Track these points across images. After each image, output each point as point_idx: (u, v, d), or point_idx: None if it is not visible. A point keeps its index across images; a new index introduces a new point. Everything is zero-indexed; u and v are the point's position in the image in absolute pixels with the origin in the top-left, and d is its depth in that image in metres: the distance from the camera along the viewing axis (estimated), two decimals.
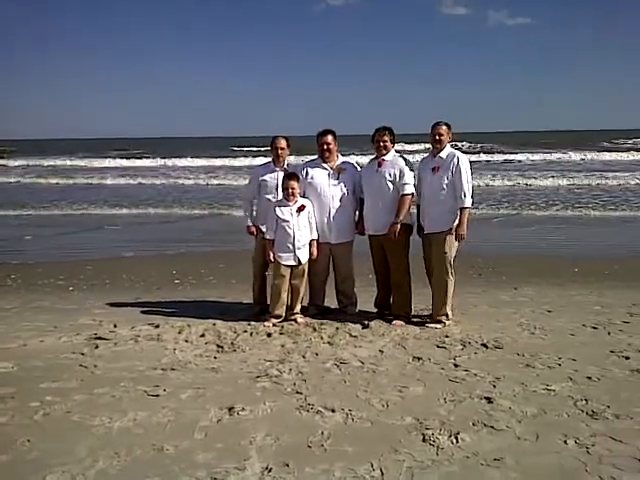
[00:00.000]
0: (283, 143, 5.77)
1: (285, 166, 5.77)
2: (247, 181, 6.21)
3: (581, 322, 5.43)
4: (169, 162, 34.57)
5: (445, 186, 5.23)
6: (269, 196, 5.71)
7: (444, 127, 5.36)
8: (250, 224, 5.84)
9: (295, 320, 5.50)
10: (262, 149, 41.51)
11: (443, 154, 5.32)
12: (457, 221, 5.22)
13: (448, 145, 5.37)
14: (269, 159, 5.91)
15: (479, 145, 47.49)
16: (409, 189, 5.32)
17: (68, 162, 37.18)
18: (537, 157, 34.05)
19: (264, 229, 5.67)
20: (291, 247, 5.40)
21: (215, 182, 23.82)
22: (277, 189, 5.67)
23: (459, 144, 38.83)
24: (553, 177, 22.09)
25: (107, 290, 7.31)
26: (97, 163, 35.97)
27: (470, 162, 5.38)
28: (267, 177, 5.77)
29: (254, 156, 34.46)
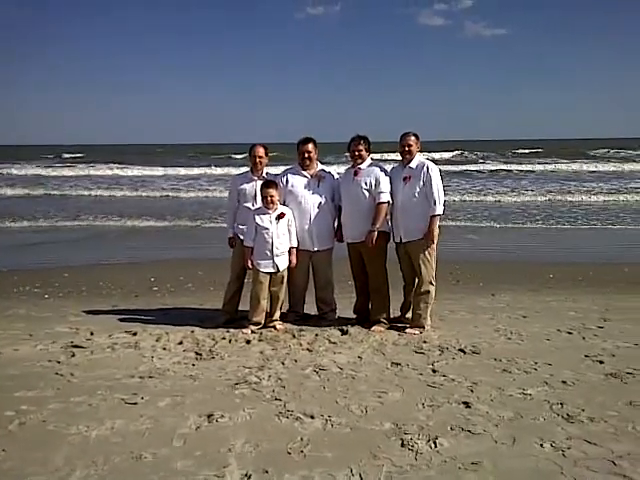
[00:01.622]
0: (261, 151, 5.76)
1: (264, 174, 5.78)
2: (227, 192, 6.18)
3: (556, 327, 5.52)
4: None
5: (417, 194, 5.31)
6: (248, 204, 5.71)
7: (413, 137, 5.44)
8: (231, 235, 5.82)
9: (274, 327, 5.50)
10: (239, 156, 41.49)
11: (413, 164, 5.40)
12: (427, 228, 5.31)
13: (417, 155, 5.44)
14: (247, 168, 5.91)
15: (465, 153, 47.77)
16: (385, 197, 5.37)
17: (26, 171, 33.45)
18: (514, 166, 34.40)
19: (242, 237, 5.69)
20: (270, 254, 5.40)
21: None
22: (256, 197, 5.68)
23: (434, 155, 39.08)
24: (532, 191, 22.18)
25: (84, 298, 7.22)
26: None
27: (440, 171, 5.48)
28: (245, 186, 5.76)
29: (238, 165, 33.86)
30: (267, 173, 5.82)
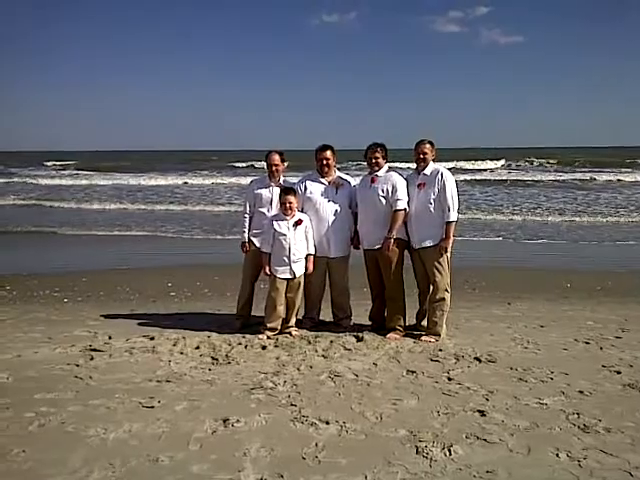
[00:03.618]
0: (277, 159, 5.81)
1: (280, 181, 5.83)
2: (244, 197, 6.20)
3: (573, 337, 5.48)
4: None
5: (432, 201, 5.33)
6: (263, 209, 5.77)
7: (428, 145, 5.47)
8: (245, 240, 5.87)
9: (290, 333, 5.52)
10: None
11: (427, 171, 5.42)
12: (444, 235, 5.32)
13: (431, 162, 5.46)
14: (265, 174, 5.95)
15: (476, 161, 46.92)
16: (402, 205, 5.38)
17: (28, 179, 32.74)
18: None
19: (256, 242, 5.74)
20: (287, 260, 5.44)
21: None
22: (271, 203, 5.74)
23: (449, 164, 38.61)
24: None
25: (102, 302, 7.32)
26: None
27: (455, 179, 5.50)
28: (262, 191, 5.82)
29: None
30: (284, 180, 5.88)
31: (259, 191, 5.83)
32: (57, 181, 32.14)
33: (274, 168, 5.78)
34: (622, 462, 3.04)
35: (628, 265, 9.79)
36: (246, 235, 5.86)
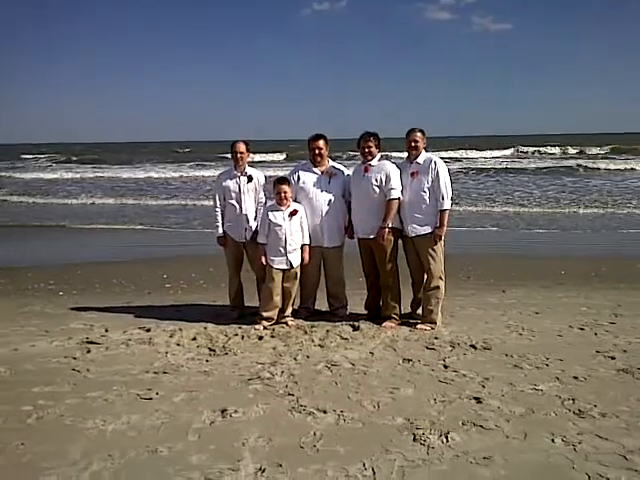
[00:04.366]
0: (242, 147, 5.79)
1: (246, 170, 5.82)
2: (213, 191, 6.10)
3: (568, 323, 5.51)
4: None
5: (426, 189, 5.34)
6: (232, 201, 5.78)
7: (419, 133, 5.46)
8: (221, 234, 5.87)
9: (286, 323, 5.54)
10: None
11: (420, 159, 5.42)
12: (437, 223, 5.34)
13: (423, 150, 5.46)
14: (231, 166, 5.93)
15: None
16: (395, 193, 5.38)
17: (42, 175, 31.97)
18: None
19: (231, 233, 5.79)
20: (283, 251, 5.44)
21: None
22: (240, 194, 5.75)
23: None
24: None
25: (97, 294, 7.31)
26: None
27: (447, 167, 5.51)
28: (229, 183, 5.81)
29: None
30: (250, 167, 5.90)
31: (226, 183, 5.82)
32: (50, 175, 31.29)
33: (238, 156, 5.76)
34: (617, 446, 3.07)
35: (622, 251, 9.85)
36: (220, 229, 5.86)
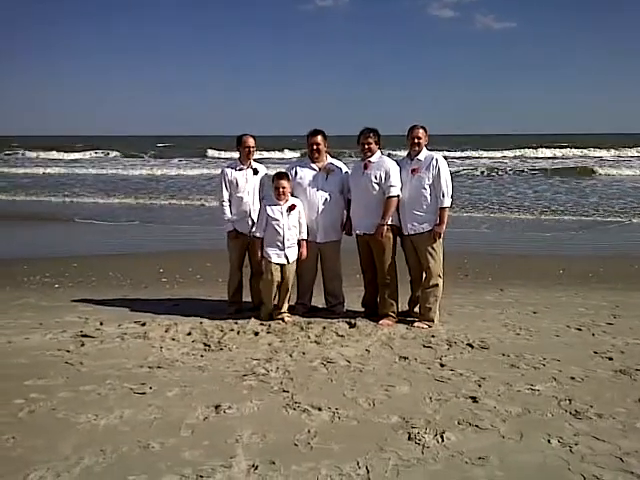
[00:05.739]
0: (252, 142, 5.78)
1: (252, 165, 5.80)
2: (219, 183, 5.95)
3: (566, 323, 5.49)
4: None
5: (427, 187, 5.31)
6: (241, 194, 5.74)
7: (421, 130, 5.43)
8: (231, 228, 5.81)
9: (282, 319, 5.51)
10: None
11: (421, 156, 5.39)
12: (437, 220, 5.32)
13: (425, 147, 5.43)
14: (236, 159, 5.91)
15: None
16: (395, 191, 5.35)
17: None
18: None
19: (238, 227, 5.75)
20: (280, 246, 5.41)
21: None
22: (247, 187, 5.72)
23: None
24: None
25: (93, 287, 7.27)
26: None
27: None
28: (237, 176, 5.77)
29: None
30: (255, 161, 5.89)
31: (234, 176, 5.77)
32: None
33: (251, 150, 5.75)
34: (613, 448, 3.05)
35: (620, 251, 9.83)
36: (230, 223, 5.80)
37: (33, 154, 43.47)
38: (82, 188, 21.24)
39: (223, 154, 39.38)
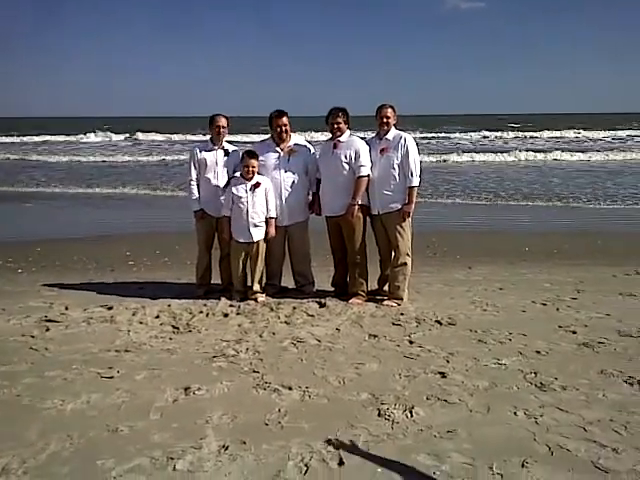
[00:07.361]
0: (223, 121, 5.69)
1: (223, 145, 5.72)
2: (188, 161, 5.89)
3: (531, 299, 5.59)
4: None
5: (396, 166, 5.31)
6: (209, 175, 5.65)
7: (390, 109, 5.42)
8: (198, 208, 5.72)
9: (256, 299, 5.48)
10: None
11: (390, 135, 5.39)
12: (406, 199, 5.33)
13: (393, 127, 5.42)
14: (207, 139, 5.81)
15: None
16: (365, 170, 5.34)
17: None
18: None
19: (206, 208, 5.68)
20: (245, 224, 5.37)
21: None
22: (217, 167, 5.64)
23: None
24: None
25: (58, 272, 7.12)
26: None
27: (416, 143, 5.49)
28: (206, 155, 5.67)
29: None
30: (227, 142, 5.80)
31: (203, 155, 5.68)
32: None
33: (222, 130, 5.66)
34: (577, 418, 3.13)
35: (583, 228, 10.03)
36: (197, 203, 5.71)
37: None
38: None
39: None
